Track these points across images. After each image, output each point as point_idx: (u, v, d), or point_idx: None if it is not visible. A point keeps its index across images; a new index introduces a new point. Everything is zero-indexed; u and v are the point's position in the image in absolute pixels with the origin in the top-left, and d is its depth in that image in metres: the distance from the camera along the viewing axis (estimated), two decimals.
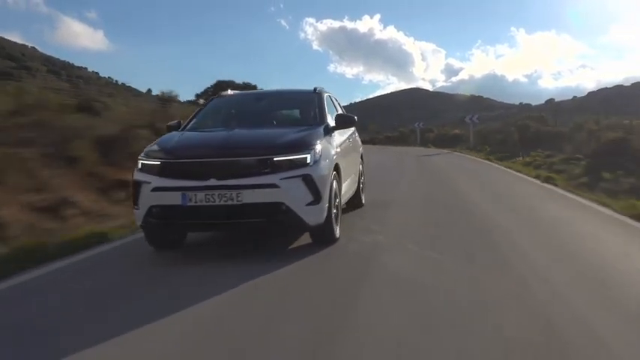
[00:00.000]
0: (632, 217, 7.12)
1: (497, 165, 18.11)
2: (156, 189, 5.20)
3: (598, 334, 3.21)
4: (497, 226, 6.69)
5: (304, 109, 6.79)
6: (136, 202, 5.34)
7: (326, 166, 5.53)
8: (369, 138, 71.33)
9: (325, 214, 5.45)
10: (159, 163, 5.32)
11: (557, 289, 4.08)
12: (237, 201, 5.03)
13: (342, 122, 6.60)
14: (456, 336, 3.20)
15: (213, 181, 5.06)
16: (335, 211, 5.75)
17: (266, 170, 5.13)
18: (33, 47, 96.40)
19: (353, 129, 8.17)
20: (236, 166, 5.18)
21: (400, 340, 3.11)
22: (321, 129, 6.06)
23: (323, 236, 5.68)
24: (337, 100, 8.35)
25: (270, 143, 5.44)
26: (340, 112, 8.06)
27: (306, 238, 5.80)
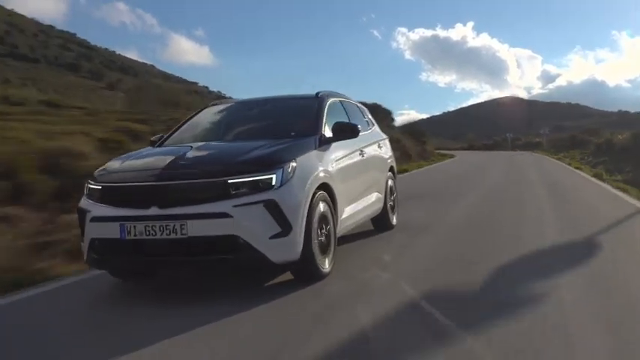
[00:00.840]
0: None
1: (549, 157, 35.62)
2: (94, 219, 4.24)
3: None
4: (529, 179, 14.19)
5: (300, 118, 5.50)
6: (82, 234, 4.38)
7: (300, 188, 4.30)
8: (467, 145, 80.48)
9: (300, 247, 4.21)
10: (100, 187, 4.36)
11: None
12: (182, 234, 3.93)
13: (341, 132, 5.28)
14: None
15: (154, 210, 4.01)
16: (322, 239, 4.51)
17: (217, 196, 4.01)
18: (152, 65, 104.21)
19: (379, 138, 7.00)
20: (181, 191, 4.09)
21: None
22: (308, 141, 4.89)
23: (303, 273, 4.45)
24: (360, 107, 7.07)
25: (229, 162, 4.33)
26: (367, 119, 6.93)
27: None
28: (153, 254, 4.10)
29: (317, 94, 5.84)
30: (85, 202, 4.44)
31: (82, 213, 4.37)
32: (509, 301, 3.79)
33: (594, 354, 2.87)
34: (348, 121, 5.88)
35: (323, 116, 5.39)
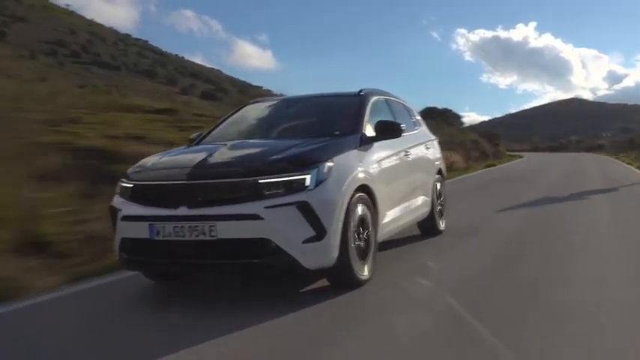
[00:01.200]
0: None
1: (608, 156, 42.23)
2: (125, 218, 4.07)
3: None
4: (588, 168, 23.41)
5: (341, 116, 5.19)
6: (114, 233, 4.22)
7: (337, 189, 3.98)
8: (532, 147, 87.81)
9: (335, 253, 3.90)
10: (132, 185, 4.19)
11: None
12: (211, 236, 3.70)
13: (384, 131, 4.93)
14: None
15: (183, 210, 3.80)
16: (361, 244, 4.20)
17: (248, 196, 3.75)
18: (218, 69, 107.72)
19: (427, 139, 6.59)
20: (210, 191, 3.85)
21: None
22: (347, 140, 4.58)
23: (338, 279, 4.15)
24: (407, 106, 6.65)
25: (261, 160, 4.06)
26: (414, 119, 6.53)
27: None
28: (182, 256, 3.88)
29: (359, 91, 5.52)
30: (116, 201, 4.28)
31: (114, 211, 4.22)
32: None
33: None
34: (392, 120, 5.52)
35: (365, 114, 5.06)
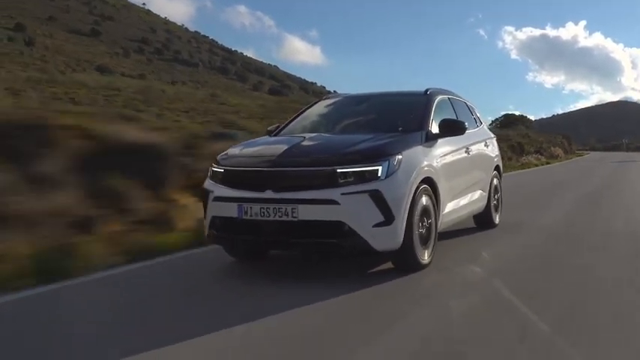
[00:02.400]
0: None
1: None
2: (216, 198, 4.44)
3: None
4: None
5: (408, 114, 5.40)
6: (205, 212, 4.65)
7: (405, 180, 4.24)
8: (590, 147, 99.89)
9: (401, 238, 4.17)
10: (222, 170, 4.55)
11: None
12: (293, 217, 4.04)
13: (447, 129, 5.14)
14: None
15: (269, 193, 4.15)
16: (423, 232, 4.47)
17: (326, 183, 4.07)
18: (275, 66, 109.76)
19: (486, 137, 6.72)
20: (293, 177, 4.20)
21: None
22: (414, 136, 4.80)
23: (402, 262, 4.41)
24: (469, 105, 6.81)
25: (338, 152, 4.35)
26: (475, 118, 6.69)
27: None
28: (266, 234, 4.21)
29: (426, 90, 5.72)
30: (208, 183, 4.64)
31: (206, 193, 4.58)
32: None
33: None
34: (455, 118, 5.70)
35: (431, 112, 5.26)
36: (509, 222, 6.97)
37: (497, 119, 70.58)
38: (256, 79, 72.18)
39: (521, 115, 63.59)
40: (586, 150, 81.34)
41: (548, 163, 33.24)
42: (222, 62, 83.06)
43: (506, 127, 58.42)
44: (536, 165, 30.75)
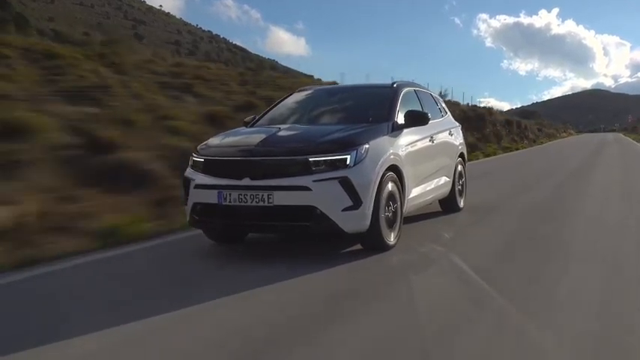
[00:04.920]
0: None
1: (622, 134, 67.54)
2: (197, 186, 4.54)
3: None
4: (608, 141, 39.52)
5: (376, 105, 5.54)
6: (185, 199, 4.77)
7: (372, 168, 4.39)
8: (576, 131, 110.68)
9: (368, 220, 4.31)
10: (202, 160, 4.66)
11: None
12: (269, 202, 4.18)
13: (412, 119, 5.25)
14: None
15: (246, 181, 4.27)
16: (389, 215, 4.63)
17: (300, 171, 4.22)
18: (275, 61, 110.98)
19: (451, 126, 6.79)
20: (269, 166, 4.32)
21: None
22: (381, 126, 4.92)
23: (370, 243, 4.56)
24: (435, 96, 6.92)
25: (310, 142, 4.47)
26: (440, 108, 6.80)
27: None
28: (244, 218, 4.34)
29: (393, 83, 5.80)
30: (189, 172, 4.72)
31: (187, 181, 4.66)
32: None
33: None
34: (420, 109, 5.78)
35: (397, 104, 5.35)
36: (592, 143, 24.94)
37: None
38: (267, 73, 73.88)
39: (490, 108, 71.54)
40: (575, 133, 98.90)
41: (564, 137, 60.72)
42: (243, 61, 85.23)
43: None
44: (562, 137, 59.05)
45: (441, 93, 28.83)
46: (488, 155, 21.27)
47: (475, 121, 28.01)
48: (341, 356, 2.63)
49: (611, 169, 14.17)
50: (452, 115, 7.38)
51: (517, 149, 28.43)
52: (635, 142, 37.14)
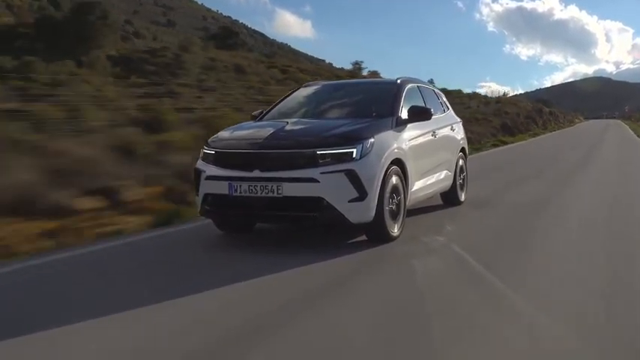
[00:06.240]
0: None
1: (621, 121, 70.43)
2: (208, 177, 4.61)
3: None
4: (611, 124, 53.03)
5: (380, 101, 5.61)
6: (196, 190, 4.85)
7: (377, 161, 4.47)
8: (583, 117, 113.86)
9: (373, 212, 4.37)
10: (214, 152, 4.71)
11: None
12: (278, 193, 4.27)
13: (415, 115, 5.32)
14: None
15: (257, 173, 4.36)
16: (393, 207, 4.72)
17: (307, 164, 4.31)
18: (287, 44, 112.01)
19: (452, 121, 6.79)
20: (278, 159, 4.40)
21: None
22: (386, 121, 4.98)
23: (374, 234, 4.64)
24: (437, 92, 6.92)
25: (318, 136, 4.55)
26: (442, 104, 6.83)
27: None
28: (254, 209, 4.43)
29: (397, 79, 5.83)
30: (200, 164, 4.79)
31: (198, 173, 4.72)
32: None
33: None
34: (423, 104, 5.81)
35: (401, 100, 5.38)
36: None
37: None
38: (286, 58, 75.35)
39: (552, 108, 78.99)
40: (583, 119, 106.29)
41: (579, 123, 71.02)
42: (265, 46, 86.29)
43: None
44: (576, 123, 69.41)
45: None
46: (552, 130, 39.30)
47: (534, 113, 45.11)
48: (353, 314, 3.19)
49: (614, 132, 32.05)
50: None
51: (560, 129, 45.08)
52: (624, 124, 54.69)
